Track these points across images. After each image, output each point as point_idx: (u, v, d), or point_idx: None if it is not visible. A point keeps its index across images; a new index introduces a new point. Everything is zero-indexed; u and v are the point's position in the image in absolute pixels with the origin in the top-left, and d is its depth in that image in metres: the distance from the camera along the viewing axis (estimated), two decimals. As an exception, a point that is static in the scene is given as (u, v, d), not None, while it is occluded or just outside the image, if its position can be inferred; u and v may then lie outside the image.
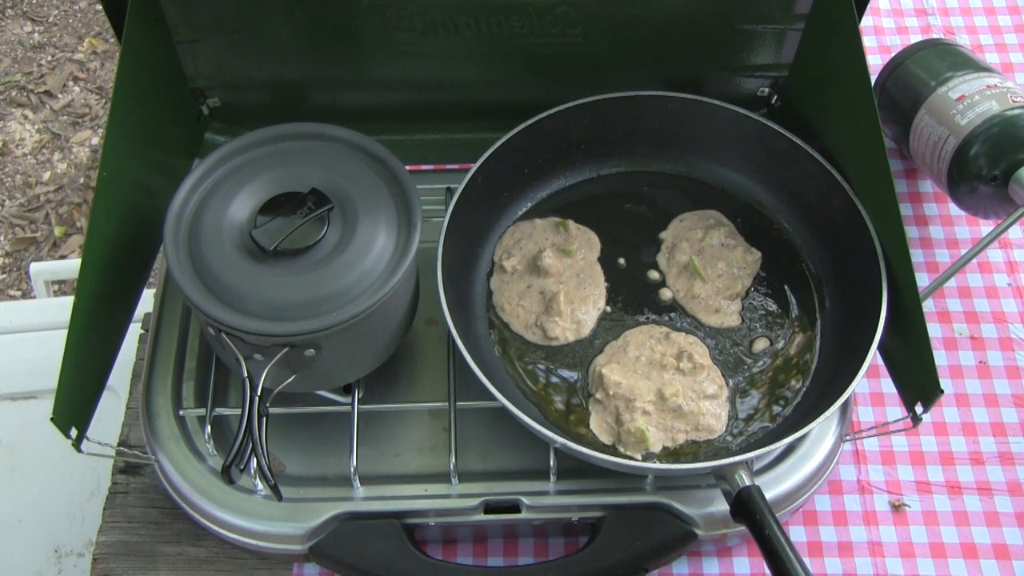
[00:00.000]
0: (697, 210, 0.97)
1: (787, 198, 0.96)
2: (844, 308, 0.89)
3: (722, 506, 0.79)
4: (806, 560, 0.83)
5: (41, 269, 1.35)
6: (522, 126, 0.91)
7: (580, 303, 0.90)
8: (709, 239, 0.94)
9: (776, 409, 0.85)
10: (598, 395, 0.85)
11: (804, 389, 0.86)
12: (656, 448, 0.83)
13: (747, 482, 0.75)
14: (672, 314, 0.91)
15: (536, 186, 0.97)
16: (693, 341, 0.88)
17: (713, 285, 0.91)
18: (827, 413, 0.76)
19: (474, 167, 0.89)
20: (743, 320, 0.90)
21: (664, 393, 0.84)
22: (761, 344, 0.89)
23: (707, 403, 0.84)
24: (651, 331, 0.89)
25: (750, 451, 0.76)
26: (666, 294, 0.92)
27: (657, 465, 0.80)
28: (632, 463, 0.79)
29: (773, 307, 0.91)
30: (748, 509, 0.74)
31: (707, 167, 0.98)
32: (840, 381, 0.79)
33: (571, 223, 0.95)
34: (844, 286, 0.90)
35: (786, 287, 0.92)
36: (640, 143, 0.98)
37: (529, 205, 0.97)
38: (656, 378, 0.85)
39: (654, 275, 0.93)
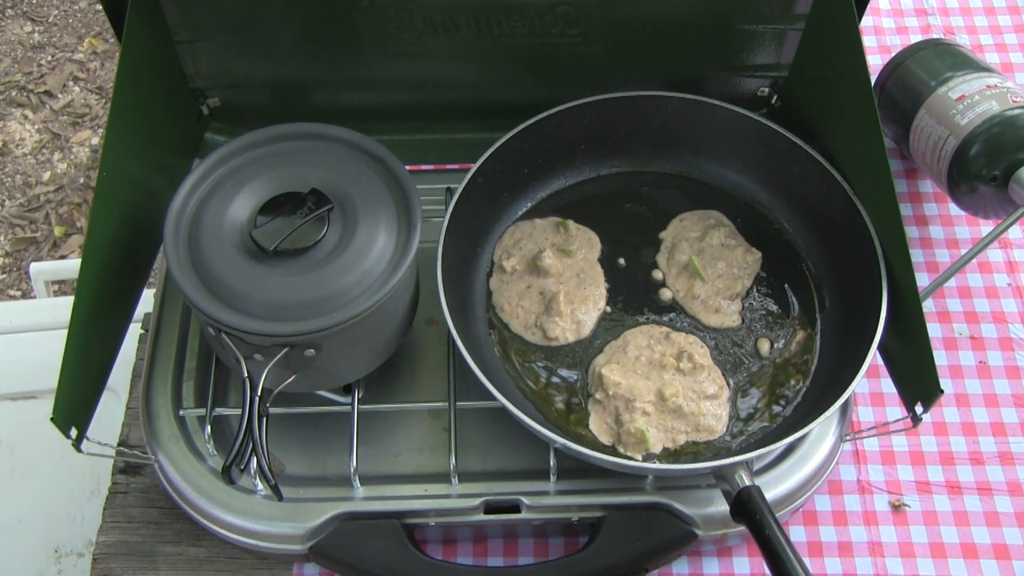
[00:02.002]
0: (697, 210, 0.97)
1: (787, 198, 0.95)
2: (844, 308, 0.89)
3: (722, 506, 0.79)
4: (806, 560, 0.83)
5: (41, 269, 1.35)
6: (522, 126, 0.91)
7: (580, 303, 0.90)
8: (709, 239, 0.94)
9: (776, 409, 0.85)
10: (598, 395, 0.85)
11: (804, 389, 0.86)
12: (656, 449, 0.83)
13: (747, 482, 0.75)
14: (672, 314, 0.91)
15: (536, 186, 0.97)
16: (693, 341, 0.88)
17: (713, 285, 0.91)
18: (827, 413, 0.76)
19: (474, 167, 0.89)
20: (743, 320, 0.90)
21: (664, 393, 0.84)
22: (762, 344, 0.89)
23: (707, 403, 0.84)
24: (651, 331, 0.89)
25: (750, 451, 0.76)
26: (666, 294, 0.92)
27: (657, 465, 0.80)
28: (632, 463, 0.79)
29: (773, 307, 0.91)
30: (748, 509, 0.74)
31: (707, 167, 0.98)
32: (840, 381, 0.79)
33: (571, 223, 0.95)
34: (844, 286, 0.90)
35: (786, 287, 0.92)
36: (640, 143, 0.98)
37: (529, 205, 0.97)
38: (656, 378, 0.85)
39: (654, 275, 0.93)
